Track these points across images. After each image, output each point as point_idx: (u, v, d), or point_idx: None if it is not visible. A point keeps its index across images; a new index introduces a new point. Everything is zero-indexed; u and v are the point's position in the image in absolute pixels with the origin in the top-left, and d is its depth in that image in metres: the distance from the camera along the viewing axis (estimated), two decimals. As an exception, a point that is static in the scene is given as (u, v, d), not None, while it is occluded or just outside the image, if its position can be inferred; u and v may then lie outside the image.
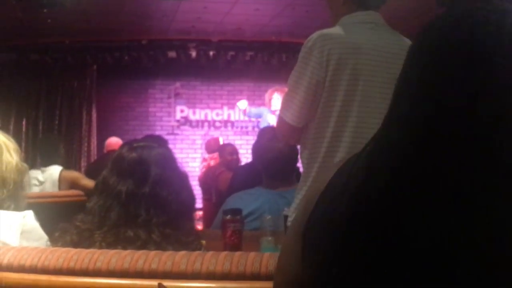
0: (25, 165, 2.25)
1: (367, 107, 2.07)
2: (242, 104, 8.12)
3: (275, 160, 3.05)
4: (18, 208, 2.13)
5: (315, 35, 2.11)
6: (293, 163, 3.10)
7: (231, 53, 8.76)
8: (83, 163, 8.93)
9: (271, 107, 7.20)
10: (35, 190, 4.88)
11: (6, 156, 2.16)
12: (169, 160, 1.91)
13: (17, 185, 2.17)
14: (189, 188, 1.95)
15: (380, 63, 2.10)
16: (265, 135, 3.42)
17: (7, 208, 2.09)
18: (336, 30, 2.13)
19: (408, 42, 2.23)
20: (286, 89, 6.64)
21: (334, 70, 2.06)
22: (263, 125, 7.31)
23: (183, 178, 1.93)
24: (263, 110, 7.54)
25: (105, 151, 7.05)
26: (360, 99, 2.07)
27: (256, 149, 3.27)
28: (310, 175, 2.10)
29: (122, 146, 1.92)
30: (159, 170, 1.83)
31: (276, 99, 7.06)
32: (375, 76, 2.09)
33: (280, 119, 2.22)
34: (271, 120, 7.02)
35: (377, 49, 2.11)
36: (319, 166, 2.08)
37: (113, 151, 6.62)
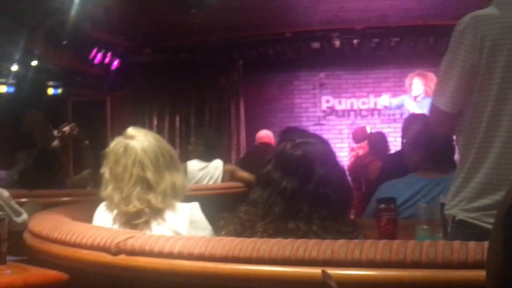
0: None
1: None
2: (384, 100, 7.98)
3: (435, 146, 2.99)
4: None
5: (467, 17, 2.03)
6: (452, 150, 3.01)
7: (376, 40, 8.61)
8: (233, 156, 9.23)
9: (411, 93, 6.99)
10: (205, 183, 5.19)
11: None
12: (330, 156, 1.94)
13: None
14: (348, 182, 1.99)
15: None
16: (417, 122, 3.35)
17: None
18: (490, 10, 2.04)
19: None
20: (427, 74, 6.47)
21: (489, 53, 1.97)
22: (405, 113, 7.16)
23: (343, 172, 1.97)
24: (404, 98, 7.34)
25: (256, 143, 7.23)
26: None
27: (412, 136, 3.21)
28: (467, 161, 2.04)
29: (284, 142, 1.96)
30: (323, 167, 1.86)
31: (417, 84, 6.84)
32: None
33: (433, 106, 2.17)
34: (412, 107, 6.83)
35: None
36: (476, 152, 2.01)
37: (264, 143, 6.81)
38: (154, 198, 2.23)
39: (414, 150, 3.13)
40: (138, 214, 2.23)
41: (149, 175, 2.25)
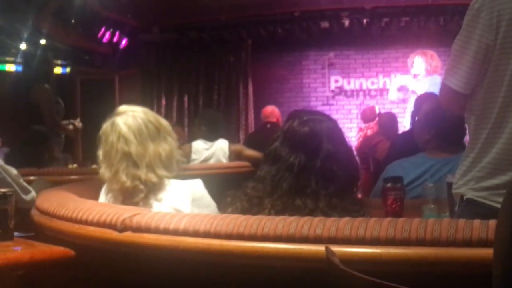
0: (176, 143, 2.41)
1: None
2: (392, 94, 7.92)
3: (445, 126, 2.98)
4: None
5: None
6: (463, 131, 3.00)
7: (385, 19, 8.53)
8: (242, 136, 9.23)
9: (412, 71, 7.05)
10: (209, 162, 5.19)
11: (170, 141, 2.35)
12: (338, 134, 1.96)
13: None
14: (355, 160, 2.02)
15: None
16: (429, 101, 3.33)
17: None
18: None
19: None
20: (427, 52, 6.51)
21: (505, 32, 1.94)
22: (408, 94, 7.21)
23: (350, 150, 1.99)
24: (406, 81, 7.39)
25: (262, 119, 7.19)
26: None
27: (423, 115, 3.19)
28: (478, 141, 2.02)
29: (292, 119, 1.97)
30: (330, 144, 1.88)
31: (418, 63, 6.89)
32: None
33: (445, 86, 2.14)
34: (414, 85, 6.89)
35: None
36: (488, 133, 2.00)
37: (270, 122, 6.80)
38: (143, 173, 2.23)
39: (424, 129, 3.12)
40: (134, 191, 2.23)
41: (133, 149, 2.24)
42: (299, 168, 1.85)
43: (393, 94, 7.91)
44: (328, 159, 1.86)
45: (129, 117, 2.30)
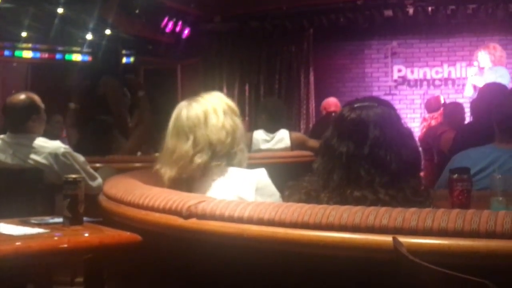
0: (237, 125, 2.34)
1: None
2: (468, 91, 7.66)
3: (504, 118, 2.90)
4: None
5: None
6: None
7: (452, 7, 8.30)
8: (302, 125, 9.21)
9: (479, 65, 6.98)
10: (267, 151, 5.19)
11: (211, 119, 2.27)
12: (388, 119, 1.87)
13: (226, 144, 2.25)
14: (412, 146, 1.89)
15: None
16: (491, 91, 3.25)
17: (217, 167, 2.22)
18: None
19: None
20: (489, 44, 6.43)
21: None
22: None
23: (405, 136, 1.88)
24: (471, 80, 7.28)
25: (323, 112, 7.15)
26: None
27: (486, 105, 3.11)
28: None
29: (344, 106, 1.94)
30: (377, 130, 1.81)
31: (482, 57, 6.85)
32: None
33: None
34: (478, 81, 6.84)
35: None
36: None
37: (332, 112, 6.75)
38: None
39: (491, 119, 3.05)
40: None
41: (168, 136, 2.25)
42: (347, 157, 1.80)
43: (469, 91, 7.71)
44: (376, 146, 1.79)
45: (185, 103, 2.29)
